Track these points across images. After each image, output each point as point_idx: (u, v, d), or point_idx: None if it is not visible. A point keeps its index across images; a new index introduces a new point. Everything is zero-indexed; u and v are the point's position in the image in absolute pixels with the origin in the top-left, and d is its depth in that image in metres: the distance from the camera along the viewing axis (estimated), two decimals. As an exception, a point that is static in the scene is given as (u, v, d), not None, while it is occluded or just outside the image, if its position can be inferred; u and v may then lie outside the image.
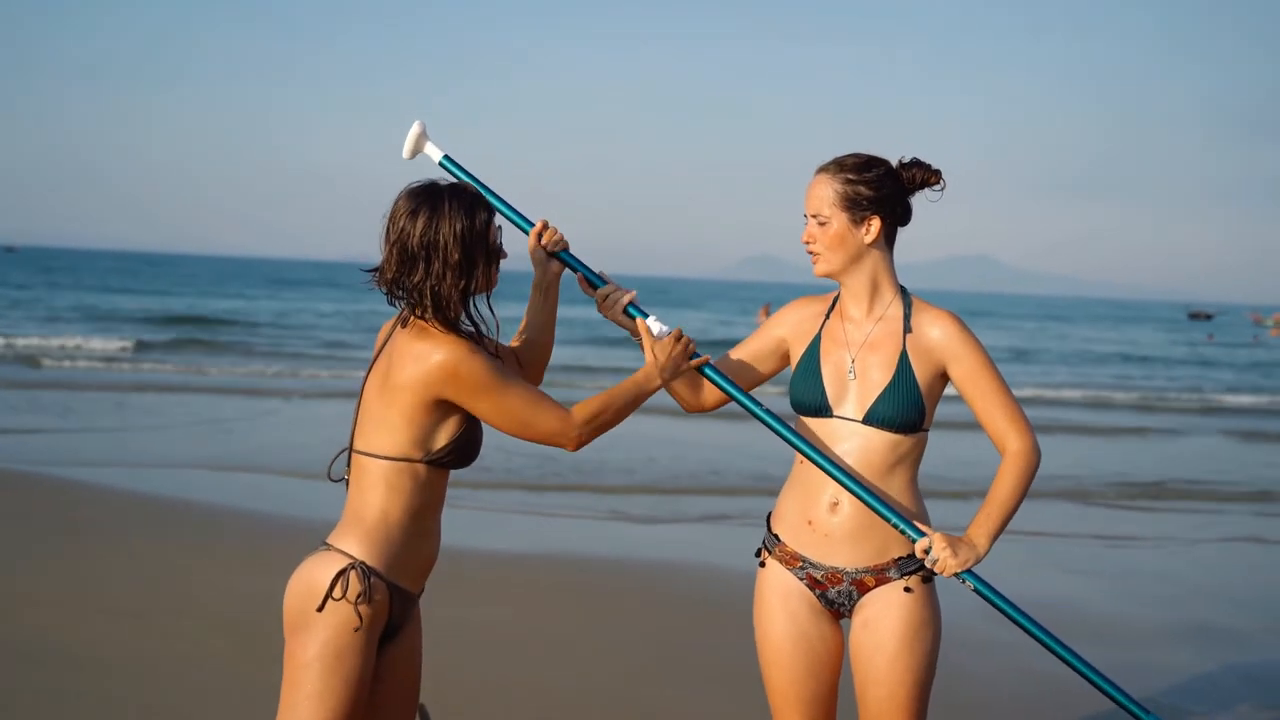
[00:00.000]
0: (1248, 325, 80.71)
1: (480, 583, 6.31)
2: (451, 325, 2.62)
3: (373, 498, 2.62)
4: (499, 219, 2.73)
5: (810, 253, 2.88)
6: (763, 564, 2.95)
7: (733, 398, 2.92)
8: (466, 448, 2.66)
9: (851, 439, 2.82)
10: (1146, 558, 8.13)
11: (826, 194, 2.83)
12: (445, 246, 2.57)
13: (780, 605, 2.87)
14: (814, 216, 2.85)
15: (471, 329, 2.70)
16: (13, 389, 14.72)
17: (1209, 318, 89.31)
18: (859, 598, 2.85)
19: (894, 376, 2.81)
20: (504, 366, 2.64)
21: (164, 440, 11.40)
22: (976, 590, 2.77)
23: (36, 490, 7.99)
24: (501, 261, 2.69)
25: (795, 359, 2.95)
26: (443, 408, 2.61)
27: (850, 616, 2.89)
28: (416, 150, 3.00)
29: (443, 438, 2.63)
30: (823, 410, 2.85)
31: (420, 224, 2.58)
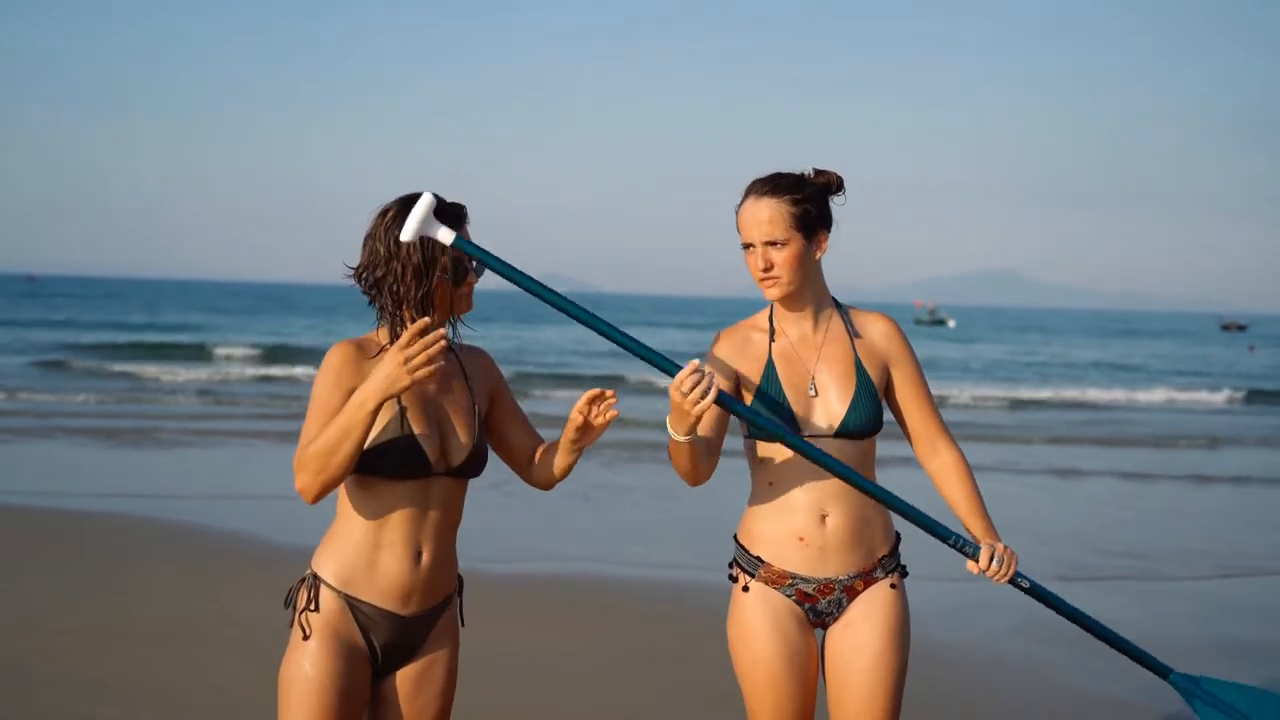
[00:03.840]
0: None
1: (490, 605, 6.29)
2: (395, 322, 2.62)
3: (335, 514, 2.67)
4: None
5: (768, 279, 2.80)
6: (746, 589, 2.86)
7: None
8: (386, 454, 2.55)
9: (828, 449, 2.78)
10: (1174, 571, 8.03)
11: (778, 216, 2.78)
12: (408, 249, 2.58)
13: (772, 627, 2.81)
14: (767, 242, 2.79)
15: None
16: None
17: (1242, 329, 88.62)
18: (848, 604, 2.85)
19: (856, 386, 2.82)
20: (339, 393, 2.55)
21: (185, 467, 11.47)
22: (1032, 588, 2.76)
23: (57, 522, 8.03)
24: (474, 284, 2.67)
25: (752, 389, 2.85)
26: None
27: (834, 623, 2.87)
28: (422, 233, 2.58)
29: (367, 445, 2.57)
30: (793, 433, 2.77)
31: (388, 222, 2.61)
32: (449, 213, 2.62)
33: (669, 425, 2.63)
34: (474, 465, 2.67)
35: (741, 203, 2.84)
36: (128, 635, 5.60)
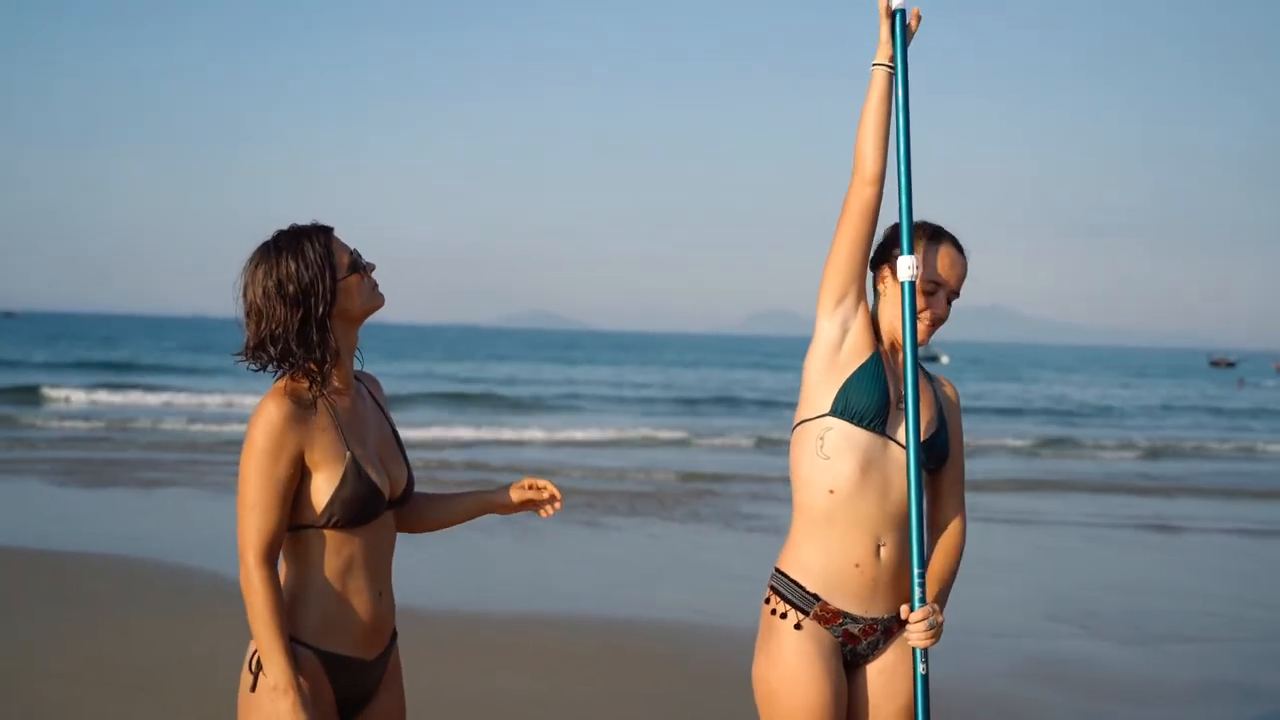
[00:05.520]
0: (1270, 373, 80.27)
1: (491, 648, 6.23)
2: (303, 368, 2.51)
3: (287, 570, 2.55)
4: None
5: (934, 322, 2.83)
6: (798, 626, 2.75)
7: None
8: (352, 505, 2.50)
9: (897, 469, 2.74)
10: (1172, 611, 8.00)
11: (963, 273, 2.86)
12: (279, 288, 2.47)
13: (824, 668, 2.72)
14: (953, 293, 2.85)
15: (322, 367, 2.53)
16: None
17: (1231, 365, 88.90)
18: (883, 646, 2.79)
19: (939, 420, 2.83)
20: (283, 458, 2.45)
21: (168, 510, 11.40)
22: (920, 674, 2.71)
23: (37, 564, 7.97)
24: (372, 272, 2.58)
25: (851, 362, 2.78)
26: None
27: (866, 663, 2.81)
28: None
29: (320, 499, 2.49)
30: (879, 424, 2.73)
31: (259, 279, 2.49)
32: (312, 229, 2.55)
33: (875, 59, 2.82)
34: (411, 490, 2.68)
35: (934, 243, 2.84)
36: (105, 680, 5.53)
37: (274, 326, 2.48)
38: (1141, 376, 68.55)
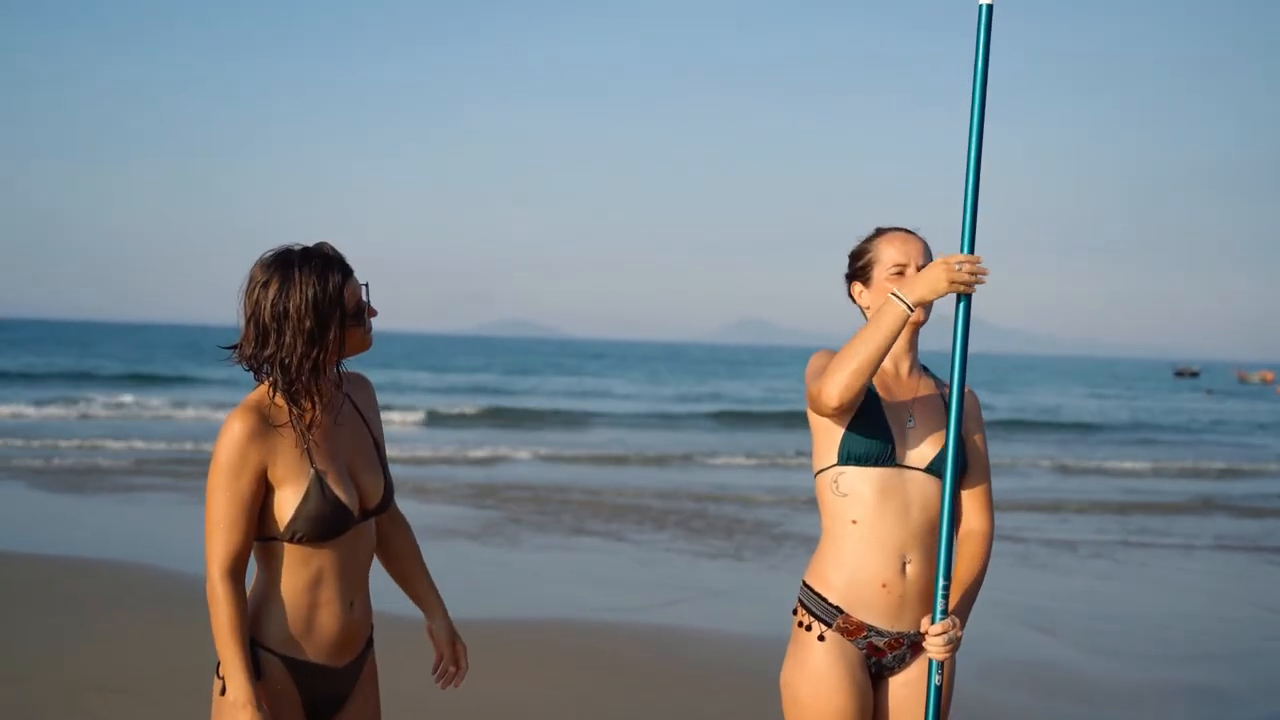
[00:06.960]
0: (1233, 382, 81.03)
1: (477, 653, 6.25)
2: (294, 398, 2.52)
3: (257, 576, 2.59)
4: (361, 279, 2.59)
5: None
6: (821, 638, 2.82)
7: None
8: (315, 522, 2.51)
9: (916, 488, 2.80)
10: (1135, 615, 8.12)
11: (922, 249, 2.87)
12: (297, 315, 2.48)
13: (848, 680, 2.79)
14: (918, 267, 2.83)
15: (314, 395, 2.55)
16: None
17: (1195, 374, 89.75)
18: (910, 659, 2.86)
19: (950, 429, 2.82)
20: (245, 475, 2.47)
21: (151, 513, 11.35)
22: (935, 685, 2.75)
23: (17, 568, 7.95)
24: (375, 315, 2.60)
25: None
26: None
27: (892, 675, 2.88)
28: None
29: (284, 515, 2.50)
30: (887, 459, 2.79)
31: (271, 294, 2.48)
32: (338, 264, 2.53)
33: (903, 292, 2.65)
34: (388, 500, 2.69)
35: (886, 233, 2.90)
36: (89, 684, 5.54)
37: (274, 348, 2.50)
38: (1107, 387, 68.76)
